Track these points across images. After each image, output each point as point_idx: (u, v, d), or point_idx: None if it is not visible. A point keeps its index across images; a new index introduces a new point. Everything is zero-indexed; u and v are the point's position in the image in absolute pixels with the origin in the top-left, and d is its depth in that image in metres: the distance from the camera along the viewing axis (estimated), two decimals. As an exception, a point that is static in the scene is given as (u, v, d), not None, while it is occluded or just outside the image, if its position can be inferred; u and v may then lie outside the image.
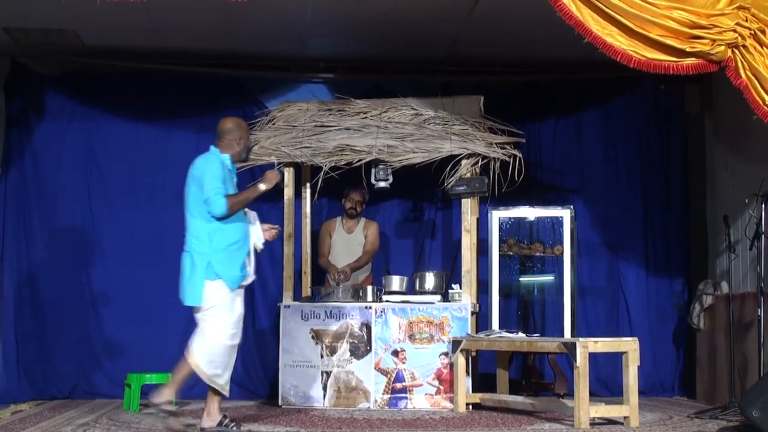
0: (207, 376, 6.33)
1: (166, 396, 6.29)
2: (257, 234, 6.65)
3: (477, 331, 8.37)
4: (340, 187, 9.02)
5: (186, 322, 9.42)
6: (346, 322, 8.36)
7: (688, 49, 6.89)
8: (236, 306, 6.49)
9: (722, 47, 6.91)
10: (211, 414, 6.47)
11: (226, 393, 6.53)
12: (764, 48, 6.94)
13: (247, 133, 6.78)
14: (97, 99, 9.64)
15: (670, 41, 6.85)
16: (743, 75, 6.95)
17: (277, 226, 7.01)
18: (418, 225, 9.84)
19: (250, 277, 6.63)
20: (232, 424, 6.47)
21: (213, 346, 6.31)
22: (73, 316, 9.39)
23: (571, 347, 6.77)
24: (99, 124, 9.62)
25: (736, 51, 6.95)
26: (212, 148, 6.71)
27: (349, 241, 9.15)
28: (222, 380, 6.41)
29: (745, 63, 6.93)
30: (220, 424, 6.42)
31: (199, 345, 6.33)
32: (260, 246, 6.72)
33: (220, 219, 6.36)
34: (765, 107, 6.85)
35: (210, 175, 6.39)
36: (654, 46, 6.88)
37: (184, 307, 9.40)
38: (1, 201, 9.40)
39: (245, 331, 9.44)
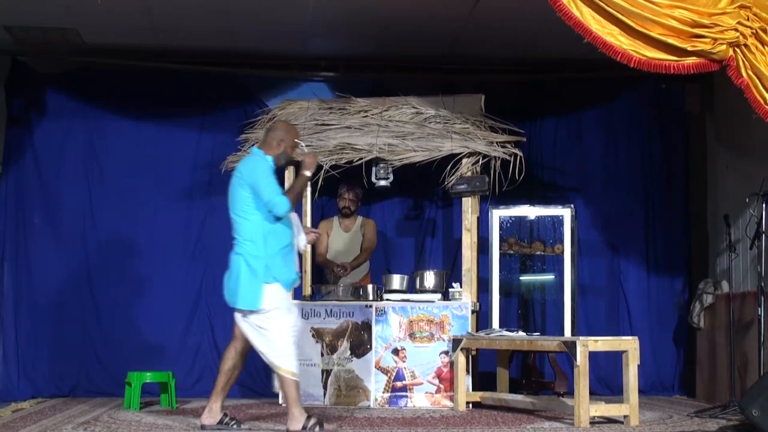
0: (292, 373, 6.29)
1: (299, 419, 6.28)
2: (299, 235, 6.64)
3: (477, 330, 8.38)
4: (354, 183, 9.03)
5: (186, 320, 9.51)
6: (347, 320, 8.36)
7: (689, 48, 6.89)
8: (292, 305, 6.48)
9: (723, 46, 6.90)
10: (213, 411, 6.46)
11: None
12: (765, 47, 6.94)
13: (293, 139, 6.63)
14: (98, 97, 9.64)
15: (671, 40, 6.84)
16: (744, 74, 6.94)
17: (317, 230, 6.97)
18: (419, 223, 9.85)
19: (298, 280, 6.63)
20: (233, 423, 6.47)
21: (283, 345, 6.29)
22: (73, 315, 9.40)
23: (571, 346, 6.78)
24: (100, 122, 9.63)
25: (738, 50, 6.94)
26: (255, 149, 6.66)
27: (348, 240, 9.15)
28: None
29: (746, 62, 6.92)
30: (221, 422, 6.42)
31: (273, 350, 6.31)
32: (302, 248, 6.74)
33: (280, 218, 6.34)
34: (766, 106, 6.85)
35: (264, 176, 6.34)
36: (655, 45, 6.87)
37: (184, 305, 9.52)
38: (2, 200, 9.41)
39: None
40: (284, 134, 6.58)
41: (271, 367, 6.37)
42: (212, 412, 6.45)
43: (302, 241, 6.66)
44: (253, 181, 6.33)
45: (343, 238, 9.17)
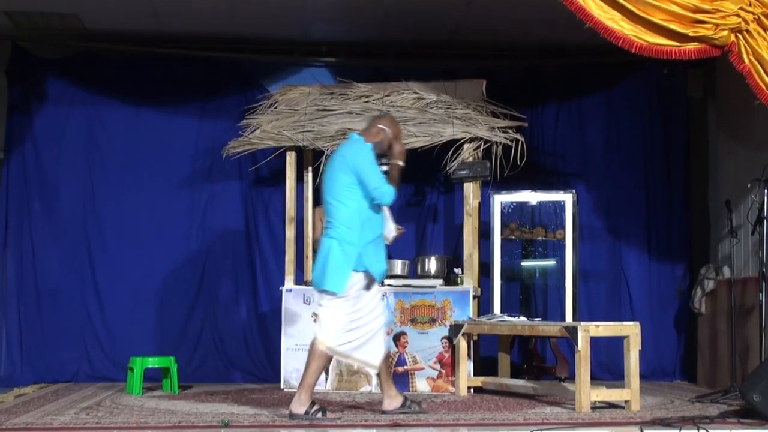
0: (328, 347, 6.30)
1: (396, 398, 6.43)
2: (389, 226, 6.63)
3: (479, 315, 8.38)
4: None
5: (188, 305, 9.53)
6: (348, 306, 8.36)
7: (690, 34, 6.86)
8: (371, 291, 6.45)
9: (725, 32, 6.88)
10: (301, 400, 6.27)
11: (374, 368, 6.51)
12: (767, 32, 6.91)
13: (394, 133, 6.60)
14: (98, 83, 9.63)
15: (672, 26, 6.82)
16: (746, 60, 6.92)
17: (402, 228, 7.04)
18: (420, 209, 9.84)
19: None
20: (318, 411, 6.32)
21: (332, 326, 6.29)
22: (75, 301, 9.42)
23: (572, 331, 6.78)
24: (100, 108, 9.62)
25: (740, 36, 6.91)
26: (355, 135, 6.65)
27: None
28: (362, 355, 6.42)
29: (748, 48, 6.90)
30: (306, 412, 6.32)
31: (325, 331, 6.32)
32: (390, 238, 6.71)
33: (380, 207, 6.39)
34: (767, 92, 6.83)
35: (370, 163, 6.35)
36: (656, 31, 6.85)
37: (185, 290, 9.53)
38: (3, 186, 9.41)
39: (248, 314, 9.55)
40: (387, 125, 6.60)
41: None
42: (300, 400, 6.36)
43: (390, 233, 6.66)
44: (359, 168, 6.32)
45: None
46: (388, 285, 8.40)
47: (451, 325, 8.17)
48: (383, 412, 6.44)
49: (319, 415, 6.19)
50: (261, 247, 9.70)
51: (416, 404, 6.51)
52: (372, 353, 6.43)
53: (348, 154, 6.39)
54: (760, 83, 6.87)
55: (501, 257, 8.71)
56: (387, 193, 6.30)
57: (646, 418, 6.13)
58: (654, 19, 6.80)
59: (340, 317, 6.28)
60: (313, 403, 6.24)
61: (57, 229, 9.46)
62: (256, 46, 9.69)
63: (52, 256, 9.43)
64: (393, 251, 9.42)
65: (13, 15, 8.71)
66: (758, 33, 6.88)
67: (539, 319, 8.44)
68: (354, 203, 6.31)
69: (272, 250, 9.59)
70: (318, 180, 8.81)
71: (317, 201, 9.24)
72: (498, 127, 8.51)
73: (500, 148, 8.47)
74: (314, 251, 9.16)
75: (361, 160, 6.34)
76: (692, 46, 6.93)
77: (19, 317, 9.31)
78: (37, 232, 9.43)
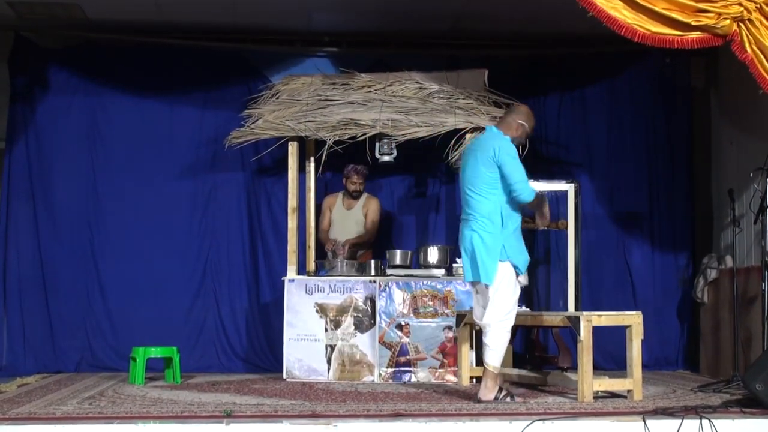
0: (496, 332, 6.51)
1: (492, 389, 6.50)
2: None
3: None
4: (344, 161, 9.03)
5: (191, 295, 9.54)
6: (351, 295, 8.37)
7: (693, 23, 6.84)
8: (516, 287, 6.62)
9: (728, 21, 6.85)
10: (488, 387, 6.47)
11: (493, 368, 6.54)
12: (770, 21, 6.89)
13: (531, 127, 6.80)
14: (101, 73, 9.63)
15: (675, 15, 6.80)
16: (749, 49, 6.89)
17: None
18: (422, 199, 9.84)
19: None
20: (507, 396, 6.50)
21: (499, 313, 6.49)
22: (78, 291, 9.43)
23: (575, 321, 6.78)
24: (103, 98, 9.62)
25: (742, 25, 6.89)
26: (493, 128, 6.73)
27: (346, 218, 9.17)
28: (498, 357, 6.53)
29: (750, 37, 6.87)
30: (496, 398, 6.45)
31: (489, 315, 6.51)
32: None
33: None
34: (772, 82, 6.82)
35: (514, 158, 6.46)
36: (659, 20, 6.83)
37: (188, 280, 9.55)
38: (4, 176, 9.41)
39: (250, 304, 9.56)
40: (525, 119, 6.71)
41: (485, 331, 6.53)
42: (488, 387, 6.46)
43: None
44: (504, 163, 6.40)
45: (343, 215, 9.18)
46: (390, 275, 8.40)
47: (453, 315, 8.16)
48: (478, 401, 6.50)
49: (508, 399, 6.42)
50: (263, 237, 9.70)
51: (510, 395, 6.57)
52: (502, 345, 6.57)
53: (492, 149, 6.46)
54: (763, 73, 6.85)
55: (503, 247, 8.69)
56: (528, 191, 6.44)
57: (649, 407, 6.13)
58: (656, 8, 6.78)
59: (500, 304, 6.47)
60: (500, 389, 6.45)
61: (59, 219, 9.46)
62: (259, 36, 9.68)
63: (54, 245, 9.43)
64: (396, 241, 9.45)
65: (15, 5, 8.70)
66: (761, 22, 6.85)
67: (542, 308, 8.44)
68: (496, 197, 6.46)
69: (274, 240, 9.60)
70: (320, 170, 8.85)
71: (319, 191, 9.26)
72: (500, 117, 8.49)
73: (503, 137, 8.45)
74: (318, 242, 9.18)
75: (507, 154, 6.44)
76: (695, 35, 6.91)
77: (21, 307, 9.31)
78: (39, 221, 9.43)
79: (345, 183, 9.16)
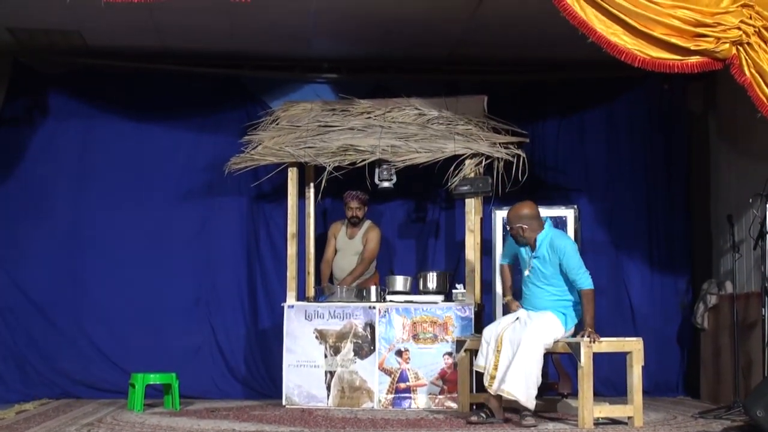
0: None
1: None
2: None
3: (481, 331, 8.35)
4: (343, 187, 9.03)
5: (189, 321, 9.52)
6: (350, 321, 8.35)
7: (692, 48, 6.88)
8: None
9: (727, 45, 6.89)
10: None
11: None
12: (768, 45, 6.93)
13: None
14: (99, 98, 9.65)
15: (674, 40, 6.84)
16: (747, 72, 6.93)
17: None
18: (422, 225, 9.84)
19: None
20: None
21: None
22: (74, 316, 9.42)
23: (575, 347, 6.77)
24: (100, 123, 9.64)
25: (741, 48, 6.93)
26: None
27: (347, 247, 9.16)
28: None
29: (749, 60, 6.91)
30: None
31: None
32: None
33: None
34: (770, 105, 6.84)
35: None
36: (658, 45, 6.87)
37: (186, 306, 9.55)
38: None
39: (249, 330, 9.54)
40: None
41: None
42: None
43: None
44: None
45: (346, 244, 9.18)
46: (390, 301, 8.39)
47: (453, 341, 8.14)
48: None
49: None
50: (262, 263, 9.69)
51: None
52: None
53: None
54: (761, 96, 6.89)
55: (503, 273, 8.69)
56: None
57: (650, 434, 6.11)
58: (655, 34, 6.82)
59: None
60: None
61: (54, 243, 9.45)
62: (258, 62, 9.70)
63: (50, 270, 9.42)
64: (395, 267, 9.44)
65: (15, 32, 8.72)
66: (759, 46, 6.90)
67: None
68: None
69: (274, 266, 9.59)
70: (320, 196, 8.86)
71: (318, 217, 9.25)
72: (499, 143, 8.51)
73: (502, 163, 8.47)
74: (318, 270, 9.16)
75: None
76: (694, 59, 6.94)
77: (17, 332, 9.29)
78: (33, 245, 9.41)
79: (345, 209, 9.16)
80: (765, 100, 6.88)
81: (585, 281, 7.01)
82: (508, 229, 7.45)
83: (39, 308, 9.37)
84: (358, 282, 8.93)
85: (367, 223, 9.23)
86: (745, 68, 6.93)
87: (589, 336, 6.82)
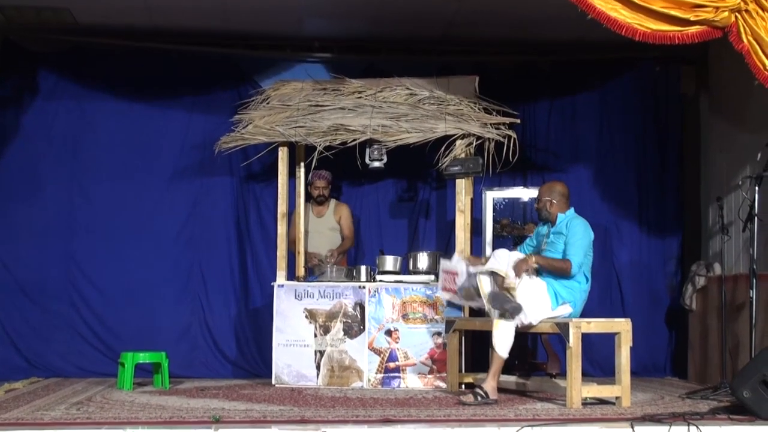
0: None
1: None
2: None
3: (470, 311, 8.38)
4: (334, 167, 9.03)
5: (179, 300, 9.52)
6: (340, 301, 8.37)
7: (692, 18, 6.86)
8: None
9: (726, 13, 6.86)
10: None
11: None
12: (765, 12, 6.86)
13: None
14: (90, 77, 9.61)
15: (673, 12, 6.82)
16: (745, 39, 6.90)
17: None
18: (413, 205, 9.85)
19: None
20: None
21: None
22: (65, 295, 9.40)
23: (564, 328, 6.79)
24: (91, 102, 9.60)
25: (739, 16, 6.88)
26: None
27: (318, 225, 9.18)
28: None
29: (746, 28, 6.88)
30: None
31: None
32: None
33: None
34: (766, 72, 6.80)
35: None
36: (658, 18, 6.85)
37: (176, 285, 9.56)
38: (-10, 179, 9.41)
39: (239, 310, 9.55)
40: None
41: None
42: None
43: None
44: None
45: (315, 223, 9.19)
46: (380, 281, 8.40)
47: (442, 321, 8.16)
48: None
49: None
50: (252, 242, 9.69)
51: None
52: None
53: None
54: (758, 63, 6.87)
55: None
56: None
57: (637, 414, 6.14)
58: (654, 7, 6.81)
59: None
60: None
61: (45, 223, 9.43)
62: (250, 41, 9.68)
63: (41, 250, 9.40)
64: (386, 247, 9.45)
65: (5, 9, 8.69)
66: (757, 13, 6.86)
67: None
68: None
69: (263, 245, 9.60)
70: (309, 176, 8.86)
71: (308, 197, 9.26)
72: (490, 124, 8.51)
73: (493, 144, 8.46)
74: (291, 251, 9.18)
75: None
76: (694, 29, 6.93)
77: (8, 311, 9.29)
78: (25, 225, 9.39)
79: (309, 189, 9.17)
80: (762, 67, 6.86)
81: (574, 259, 7.07)
82: (535, 204, 7.56)
83: (29, 287, 9.36)
84: (339, 259, 8.97)
85: (333, 201, 9.27)
86: (743, 35, 6.90)
87: (525, 264, 7.02)
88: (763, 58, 6.81)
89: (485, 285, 7.11)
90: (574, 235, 7.16)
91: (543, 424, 5.60)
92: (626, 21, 6.80)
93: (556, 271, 7.10)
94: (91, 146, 9.57)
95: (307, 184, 9.14)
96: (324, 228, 9.19)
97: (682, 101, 9.97)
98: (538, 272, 7.18)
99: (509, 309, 6.88)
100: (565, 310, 7.14)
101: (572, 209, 7.39)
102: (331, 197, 9.34)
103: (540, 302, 7.03)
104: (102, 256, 9.47)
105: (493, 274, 7.04)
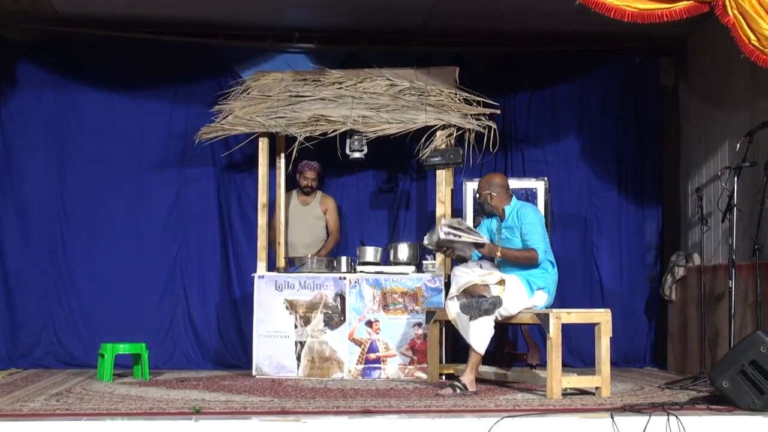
0: None
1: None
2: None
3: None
4: (314, 158, 9.02)
5: (160, 291, 9.49)
6: (320, 292, 8.36)
7: None
8: None
9: None
10: None
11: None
12: (751, -14, 6.92)
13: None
14: (70, 67, 9.55)
15: None
16: (731, 13, 6.90)
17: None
18: (393, 196, 9.84)
19: None
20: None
21: None
22: (46, 286, 9.35)
23: (544, 318, 6.80)
24: (71, 92, 9.54)
25: (724, -11, 6.93)
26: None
27: (303, 214, 9.18)
28: None
29: (732, 2, 6.88)
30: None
31: None
32: None
33: None
34: (750, 45, 6.82)
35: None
36: None
37: (157, 276, 9.52)
38: (-31, 173, 9.33)
39: (220, 301, 9.52)
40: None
41: None
42: None
43: None
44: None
45: (301, 211, 9.19)
46: (360, 272, 8.40)
47: (423, 312, 8.17)
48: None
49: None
50: (233, 233, 9.67)
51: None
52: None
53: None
54: (743, 37, 6.88)
55: (473, 244, 8.72)
56: None
57: (617, 404, 6.16)
58: None
59: None
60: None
61: (26, 214, 9.37)
62: (230, 32, 9.64)
63: (22, 241, 9.35)
64: (366, 238, 9.45)
65: (-18, -2, 8.62)
66: None
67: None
68: None
69: (244, 236, 9.57)
70: (290, 166, 8.84)
71: (289, 187, 9.24)
72: (471, 114, 8.52)
73: (473, 135, 8.47)
74: (287, 238, 9.17)
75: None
76: (682, 5, 6.94)
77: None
78: (6, 216, 9.33)
79: (298, 179, 9.17)
80: (746, 40, 6.87)
81: (538, 246, 7.08)
82: (476, 198, 7.46)
83: (9, 278, 9.31)
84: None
85: (319, 192, 9.27)
86: (729, 9, 6.90)
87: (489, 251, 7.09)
88: (748, 31, 6.83)
89: (452, 310, 7.16)
90: (528, 224, 7.13)
91: (523, 415, 5.61)
92: (613, 3, 6.82)
93: (523, 261, 7.09)
94: (71, 136, 9.52)
95: (295, 174, 9.12)
96: (309, 216, 9.19)
97: (661, 92, 9.99)
98: (500, 266, 7.22)
99: (487, 308, 6.87)
100: (541, 297, 7.15)
101: (514, 198, 7.38)
102: (318, 189, 9.33)
103: (517, 292, 7.04)
104: (83, 246, 9.43)
105: (467, 291, 7.05)
